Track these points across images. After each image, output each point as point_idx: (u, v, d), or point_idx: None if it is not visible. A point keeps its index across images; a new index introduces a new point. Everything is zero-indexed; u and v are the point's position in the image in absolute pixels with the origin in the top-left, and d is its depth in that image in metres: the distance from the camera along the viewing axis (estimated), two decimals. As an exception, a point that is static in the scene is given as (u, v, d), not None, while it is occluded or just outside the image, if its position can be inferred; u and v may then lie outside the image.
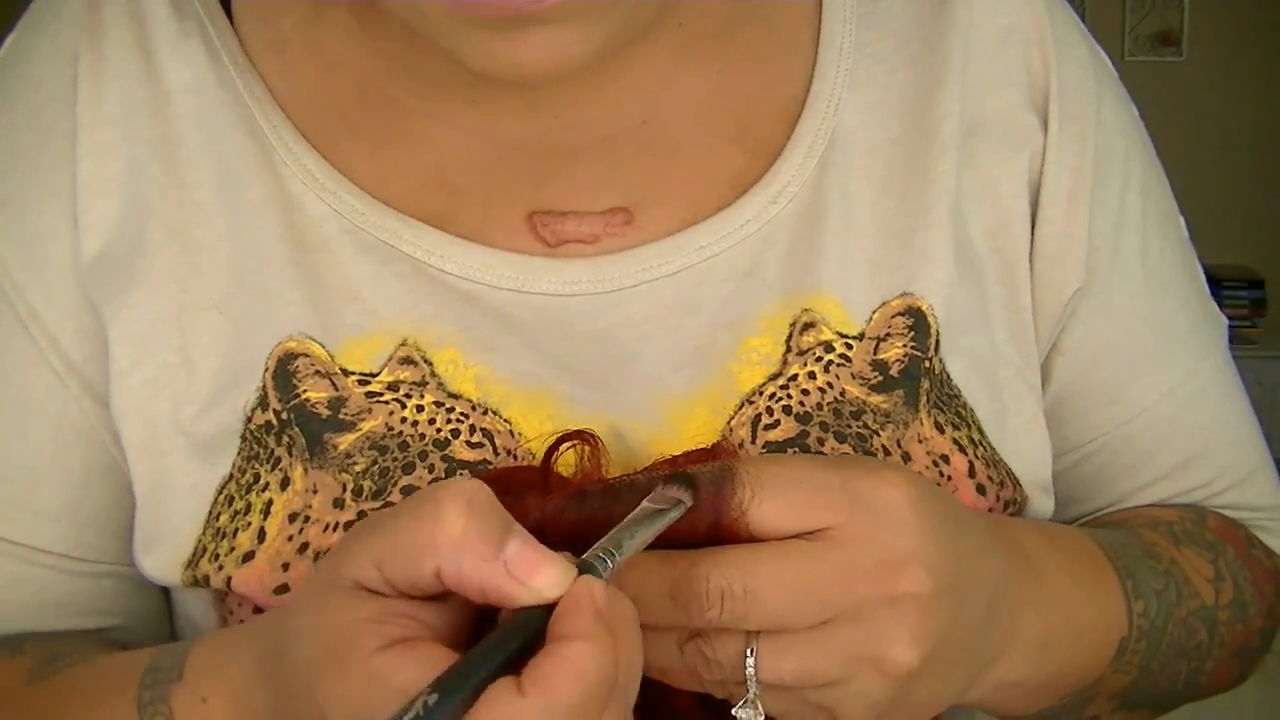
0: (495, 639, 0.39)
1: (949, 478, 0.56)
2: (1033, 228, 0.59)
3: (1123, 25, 3.56)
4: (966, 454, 0.56)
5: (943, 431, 0.56)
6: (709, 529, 0.45)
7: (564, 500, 0.46)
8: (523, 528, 0.41)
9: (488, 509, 0.41)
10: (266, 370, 0.54)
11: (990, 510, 0.57)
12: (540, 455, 0.52)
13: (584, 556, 0.41)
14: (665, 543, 0.44)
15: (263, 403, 0.54)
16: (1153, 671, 0.59)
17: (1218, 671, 0.62)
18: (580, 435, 0.50)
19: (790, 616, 0.44)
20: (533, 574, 0.39)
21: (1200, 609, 0.60)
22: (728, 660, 0.45)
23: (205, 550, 0.54)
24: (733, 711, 0.46)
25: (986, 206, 0.59)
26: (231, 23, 0.58)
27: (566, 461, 0.51)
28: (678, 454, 0.51)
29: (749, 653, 0.45)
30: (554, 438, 0.51)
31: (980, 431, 0.57)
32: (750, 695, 0.45)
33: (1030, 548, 0.53)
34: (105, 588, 0.59)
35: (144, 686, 0.50)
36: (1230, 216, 3.42)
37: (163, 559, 0.55)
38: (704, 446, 0.51)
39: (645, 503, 0.45)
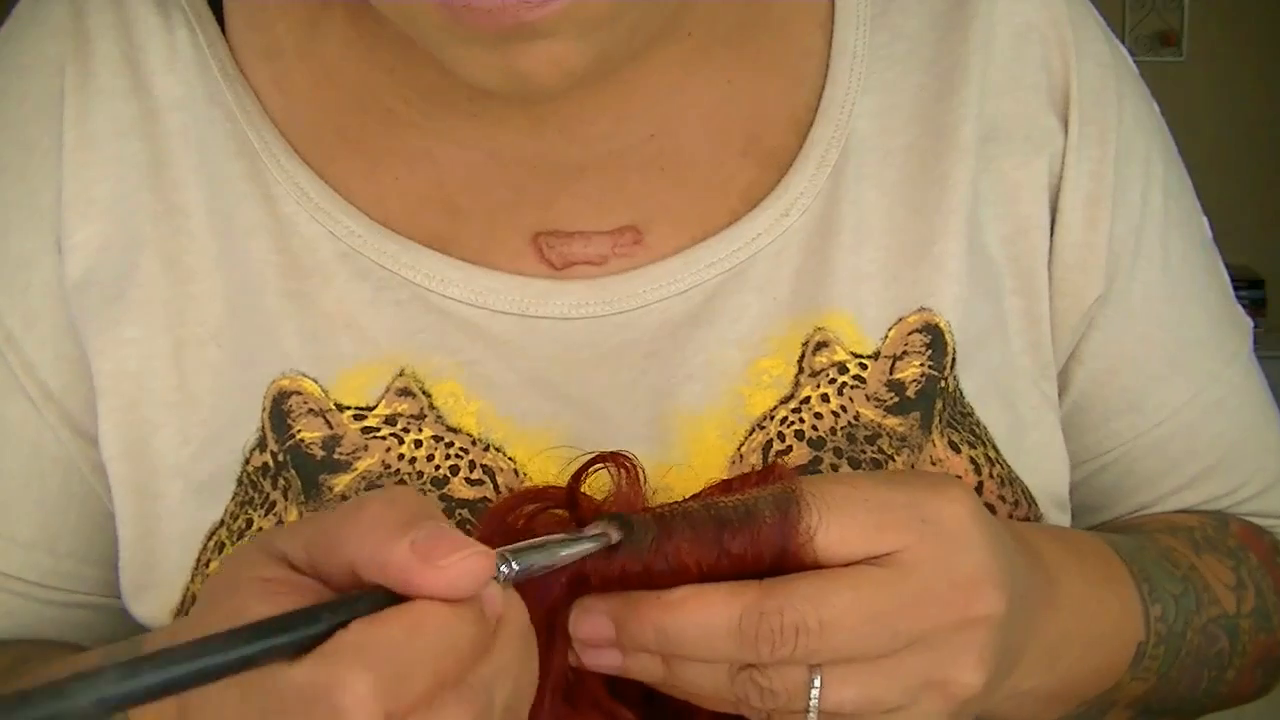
0: (353, 594, 0.36)
1: None
2: (1051, 234, 0.58)
3: (1123, 25, 3.55)
4: (980, 473, 0.55)
5: (958, 451, 0.55)
6: (774, 555, 0.43)
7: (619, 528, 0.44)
8: (448, 521, 0.38)
9: (409, 503, 0.38)
10: (264, 410, 0.52)
11: None
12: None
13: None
14: (729, 572, 0.43)
15: (261, 444, 0.52)
16: (1172, 679, 0.57)
17: (1239, 681, 0.61)
18: (615, 457, 0.47)
19: (862, 647, 0.43)
20: (441, 555, 0.36)
21: (1221, 616, 0.59)
22: (785, 690, 0.43)
23: (196, 598, 0.52)
24: None
25: (1004, 213, 0.57)
26: (223, 29, 0.56)
27: (600, 486, 0.48)
28: (731, 478, 0.49)
29: (813, 683, 0.43)
30: (585, 458, 0.48)
31: (995, 449, 0.56)
32: None
33: (1044, 551, 0.52)
34: (78, 618, 0.57)
35: None
36: (1230, 216, 3.39)
37: (153, 606, 0.53)
38: (759, 469, 0.49)
39: (578, 531, 0.43)
